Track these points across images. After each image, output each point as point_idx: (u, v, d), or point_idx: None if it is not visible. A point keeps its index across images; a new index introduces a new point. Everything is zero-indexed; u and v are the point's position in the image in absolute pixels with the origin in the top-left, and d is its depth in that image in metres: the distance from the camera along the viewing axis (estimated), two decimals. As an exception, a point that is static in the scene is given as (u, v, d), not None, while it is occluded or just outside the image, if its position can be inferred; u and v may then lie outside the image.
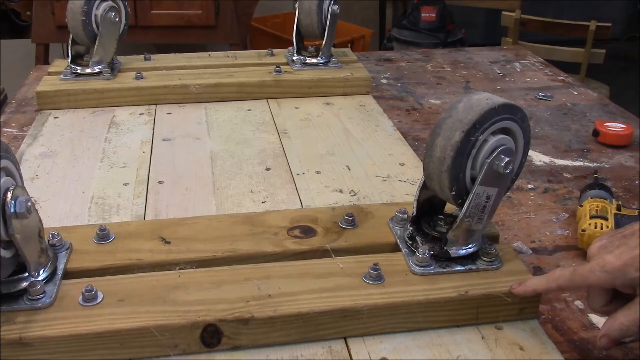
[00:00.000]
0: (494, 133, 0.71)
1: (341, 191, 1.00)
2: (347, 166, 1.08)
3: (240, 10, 2.82)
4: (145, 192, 0.99)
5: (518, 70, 1.60)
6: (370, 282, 0.72)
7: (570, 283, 0.68)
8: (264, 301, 0.69)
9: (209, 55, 1.50)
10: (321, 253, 0.78)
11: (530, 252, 0.89)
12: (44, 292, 0.68)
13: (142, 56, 1.45)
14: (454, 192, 0.72)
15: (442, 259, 0.75)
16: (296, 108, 1.31)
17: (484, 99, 0.71)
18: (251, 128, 1.22)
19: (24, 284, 0.69)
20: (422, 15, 3.40)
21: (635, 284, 0.64)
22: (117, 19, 1.33)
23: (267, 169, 1.07)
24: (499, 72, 1.59)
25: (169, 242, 0.79)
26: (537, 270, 0.84)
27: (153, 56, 1.45)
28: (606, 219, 0.87)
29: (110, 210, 0.94)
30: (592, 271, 0.66)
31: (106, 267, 0.75)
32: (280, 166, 1.08)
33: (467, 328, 0.72)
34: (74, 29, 1.31)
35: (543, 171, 1.11)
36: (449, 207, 0.81)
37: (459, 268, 0.75)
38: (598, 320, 0.75)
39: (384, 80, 1.52)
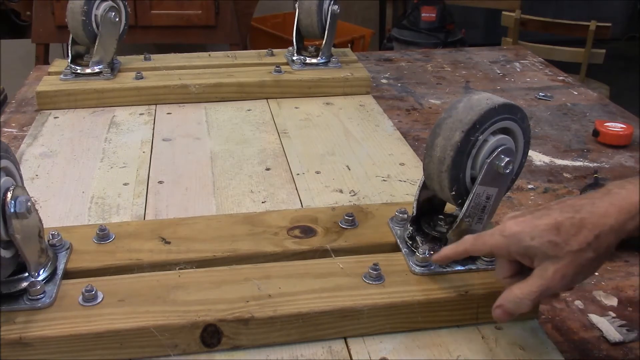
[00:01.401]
0: (494, 133, 0.71)
1: (341, 191, 1.00)
2: (347, 166, 1.08)
3: (240, 10, 2.81)
4: (145, 192, 0.99)
5: (518, 70, 1.60)
6: (370, 282, 0.72)
7: (473, 247, 0.69)
8: (264, 301, 0.69)
9: (209, 55, 1.50)
10: (321, 253, 0.78)
11: (530, 252, 0.88)
12: (44, 292, 0.68)
13: (142, 56, 1.45)
14: (454, 192, 0.72)
15: (442, 259, 0.75)
16: (296, 108, 1.31)
17: (484, 99, 0.71)
18: (251, 128, 1.22)
19: (24, 284, 0.69)
20: (422, 15, 3.40)
21: (529, 253, 0.64)
22: (117, 19, 1.33)
23: (267, 169, 1.07)
24: (499, 72, 1.59)
25: (169, 242, 0.79)
26: (537, 270, 0.84)
27: (153, 56, 1.45)
28: (606, 219, 0.87)
29: (110, 210, 0.94)
30: (492, 235, 0.67)
31: (106, 267, 0.75)
32: (280, 166, 1.08)
33: (467, 328, 0.72)
34: (74, 29, 1.31)
35: (543, 171, 1.11)
36: (449, 207, 0.81)
37: (459, 268, 0.75)
38: (598, 320, 0.76)
39: (384, 80, 1.52)
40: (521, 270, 0.67)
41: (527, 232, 0.64)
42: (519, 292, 0.65)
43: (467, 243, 0.69)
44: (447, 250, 0.71)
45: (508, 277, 0.68)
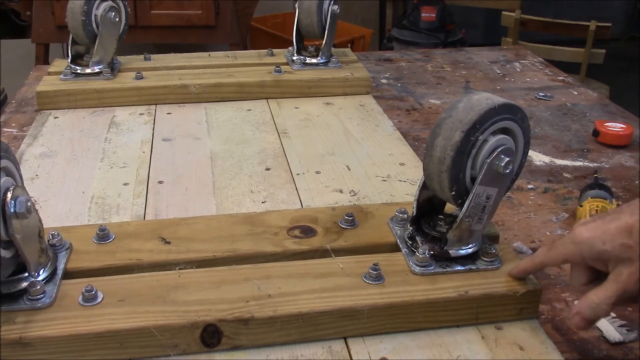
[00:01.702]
0: (494, 133, 0.71)
1: (341, 191, 1.00)
2: (347, 166, 1.08)
3: (240, 10, 2.82)
4: (145, 192, 0.99)
5: (518, 70, 1.60)
6: (370, 282, 0.72)
7: (546, 258, 0.70)
8: (264, 301, 0.69)
9: (209, 55, 1.50)
10: (321, 253, 0.78)
11: (530, 252, 0.89)
12: (44, 292, 0.68)
13: (142, 56, 1.45)
14: (454, 192, 0.72)
15: (442, 259, 0.75)
16: (296, 108, 1.31)
17: (484, 99, 0.71)
18: (251, 128, 1.22)
19: (24, 284, 0.69)
20: (422, 15, 3.40)
21: (602, 258, 0.64)
22: (117, 19, 1.33)
23: (267, 169, 1.07)
24: (499, 72, 1.59)
25: (169, 242, 0.79)
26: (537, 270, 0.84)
27: (153, 56, 1.45)
28: (606, 219, 0.87)
29: (110, 210, 0.94)
30: (563, 244, 0.67)
31: (106, 267, 0.75)
32: (280, 166, 1.08)
33: (467, 328, 0.72)
34: (74, 29, 1.31)
35: (543, 171, 1.11)
36: (449, 207, 0.81)
37: (459, 268, 0.75)
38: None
39: (384, 80, 1.52)
40: (597, 277, 0.67)
41: (598, 237, 0.64)
42: (595, 298, 0.65)
43: (541, 255, 0.70)
44: (524, 264, 0.72)
45: (584, 285, 0.67)
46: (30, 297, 0.68)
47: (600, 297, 0.64)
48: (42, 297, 0.68)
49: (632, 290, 0.64)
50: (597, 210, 0.89)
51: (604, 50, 2.68)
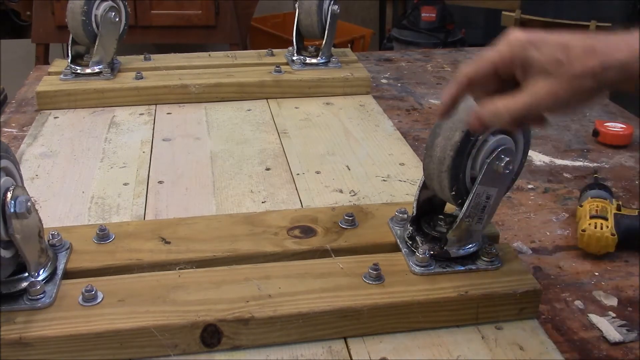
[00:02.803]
0: (493, 133, 0.71)
1: (341, 191, 1.00)
2: (347, 166, 1.08)
3: (240, 10, 2.81)
4: (145, 192, 0.99)
5: (518, 70, 1.60)
6: (370, 282, 0.72)
7: (475, 65, 0.65)
8: (264, 301, 0.69)
9: (209, 55, 1.50)
10: (321, 253, 0.78)
11: (530, 252, 0.89)
12: (44, 292, 0.68)
13: (142, 56, 1.45)
14: (454, 192, 0.72)
15: (442, 259, 0.75)
16: (296, 108, 1.31)
17: (484, 99, 0.71)
18: (251, 128, 1.22)
19: (24, 284, 0.69)
20: (422, 15, 3.40)
21: (527, 64, 0.61)
22: (117, 19, 1.33)
23: (267, 169, 1.07)
24: (499, 72, 1.58)
25: (169, 242, 0.79)
26: (537, 270, 0.84)
27: (153, 56, 1.45)
28: (606, 219, 0.87)
29: (110, 210, 0.94)
30: (496, 46, 0.64)
31: (106, 267, 0.75)
32: (280, 166, 1.08)
33: (467, 328, 0.72)
34: (74, 29, 1.31)
35: (543, 171, 1.11)
36: (449, 207, 0.81)
37: (459, 268, 0.75)
38: (598, 320, 0.76)
39: (384, 80, 1.52)
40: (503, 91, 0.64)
41: (534, 43, 0.61)
42: (501, 105, 0.62)
43: (465, 67, 0.66)
44: (473, 65, 0.66)
45: (488, 93, 0.65)
46: (30, 297, 0.68)
47: (507, 106, 0.62)
48: (42, 297, 0.68)
49: (543, 107, 0.61)
50: (597, 210, 0.89)
51: (604, 50, 2.67)
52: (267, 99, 1.34)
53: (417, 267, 0.74)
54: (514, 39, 0.62)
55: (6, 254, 0.66)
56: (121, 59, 1.42)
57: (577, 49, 0.59)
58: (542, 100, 0.61)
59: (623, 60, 0.58)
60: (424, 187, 0.78)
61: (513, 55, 0.62)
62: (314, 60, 1.42)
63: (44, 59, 2.79)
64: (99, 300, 0.69)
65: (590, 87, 0.59)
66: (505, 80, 0.64)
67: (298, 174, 1.05)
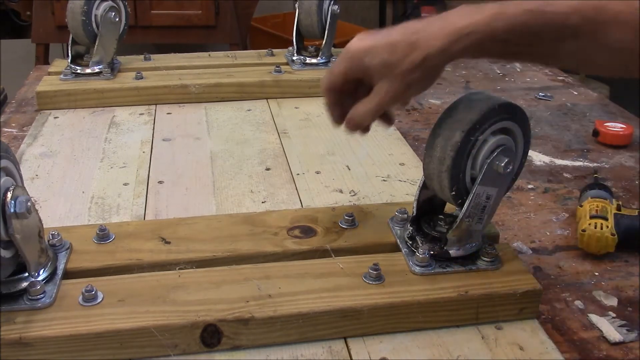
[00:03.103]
0: (494, 133, 0.71)
1: (341, 191, 1.00)
2: (347, 166, 1.08)
3: (240, 10, 2.81)
4: (145, 192, 0.99)
5: (518, 70, 1.60)
6: (370, 282, 0.72)
7: (327, 80, 0.73)
8: (264, 301, 0.69)
9: (209, 55, 1.50)
10: (321, 253, 0.78)
11: (530, 252, 0.89)
12: (44, 292, 0.68)
13: (142, 56, 1.45)
14: (454, 192, 0.72)
15: (442, 259, 0.75)
16: (296, 108, 1.31)
17: (484, 99, 0.71)
18: (251, 128, 1.22)
19: (24, 284, 0.69)
20: (422, 15, 3.40)
21: (369, 73, 0.69)
22: (117, 19, 1.33)
23: (267, 169, 1.07)
24: (499, 72, 1.59)
25: (169, 242, 0.79)
26: (537, 270, 0.84)
27: (153, 56, 1.45)
28: (606, 219, 0.87)
29: (110, 210, 0.94)
30: (339, 59, 0.72)
31: (106, 267, 0.75)
32: (280, 166, 1.08)
33: (467, 328, 0.72)
34: (74, 29, 1.31)
35: (543, 171, 1.11)
36: (449, 207, 0.81)
37: (459, 268, 0.75)
38: (598, 320, 0.76)
39: (384, 80, 1.51)
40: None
41: (367, 51, 0.68)
42: (362, 108, 0.72)
43: (325, 80, 0.73)
44: (326, 80, 0.74)
45: (337, 97, 0.74)
46: (30, 297, 0.68)
47: (366, 108, 0.71)
48: (42, 297, 0.68)
49: (389, 104, 0.71)
50: (597, 210, 0.89)
51: (604, 50, 2.67)
52: (267, 99, 1.34)
53: (417, 267, 0.74)
54: (352, 50, 0.70)
55: (6, 254, 0.66)
56: (121, 59, 1.42)
57: (402, 46, 0.67)
58: (384, 99, 0.70)
59: (442, 47, 0.66)
60: (424, 187, 0.78)
61: (353, 66, 0.70)
62: (314, 60, 1.42)
63: (44, 59, 2.79)
64: (99, 300, 0.69)
65: (419, 77, 0.68)
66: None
67: (298, 174, 1.05)
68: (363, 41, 0.69)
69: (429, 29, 0.67)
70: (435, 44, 0.66)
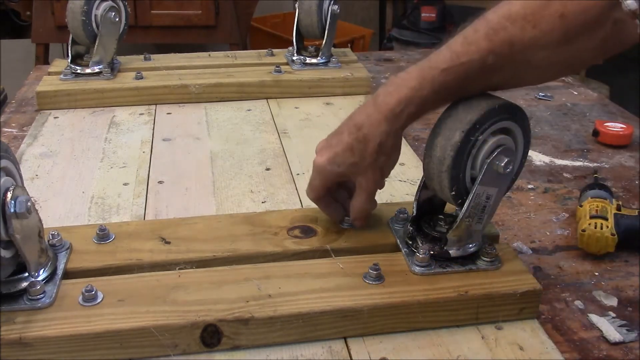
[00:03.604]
0: (494, 133, 0.71)
1: (341, 191, 0.99)
2: (347, 166, 1.07)
3: (240, 10, 2.81)
4: (145, 192, 0.99)
5: (518, 70, 1.60)
6: (370, 282, 0.72)
7: (312, 194, 0.80)
8: (264, 301, 0.69)
9: (209, 55, 1.50)
10: (321, 253, 0.78)
11: (530, 252, 0.89)
12: (44, 292, 0.68)
13: (142, 56, 1.45)
14: (454, 192, 0.72)
15: (442, 259, 0.75)
16: (296, 108, 1.31)
17: (484, 99, 0.71)
18: (251, 128, 1.22)
19: (24, 284, 0.69)
20: (422, 15, 3.40)
21: (344, 176, 0.77)
22: (117, 19, 1.33)
23: (267, 169, 1.07)
24: (499, 72, 1.58)
25: (169, 242, 0.79)
26: (537, 270, 0.84)
27: (153, 56, 1.45)
28: (606, 219, 0.87)
29: (110, 210, 0.94)
30: (313, 178, 0.79)
31: (106, 267, 0.75)
32: (280, 166, 1.08)
33: (467, 328, 0.72)
34: (74, 29, 1.31)
35: (543, 171, 1.11)
36: (449, 207, 0.81)
37: (459, 268, 0.75)
38: (598, 320, 0.76)
39: (384, 80, 1.52)
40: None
41: (333, 162, 0.76)
42: (357, 204, 0.78)
43: (309, 194, 0.81)
44: (310, 194, 0.81)
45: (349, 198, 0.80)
46: (30, 297, 0.68)
47: (360, 203, 0.78)
48: (42, 297, 0.68)
49: (374, 190, 0.78)
50: (597, 210, 0.89)
51: (604, 50, 2.67)
52: (267, 99, 1.34)
53: (417, 267, 0.74)
54: (320, 165, 0.77)
55: (6, 254, 0.66)
56: (121, 59, 1.42)
57: (356, 145, 0.74)
58: (369, 188, 0.78)
59: (388, 129, 0.72)
60: (424, 187, 0.78)
61: (327, 177, 0.78)
62: (314, 60, 1.42)
63: (44, 59, 2.79)
64: (99, 300, 0.69)
65: (384, 158, 0.75)
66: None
67: (298, 174, 1.05)
68: (324, 156, 0.77)
69: (370, 119, 0.73)
70: (381, 130, 0.73)
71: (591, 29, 0.64)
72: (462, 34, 0.70)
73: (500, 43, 0.66)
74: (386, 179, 1.03)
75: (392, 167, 0.78)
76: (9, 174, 0.68)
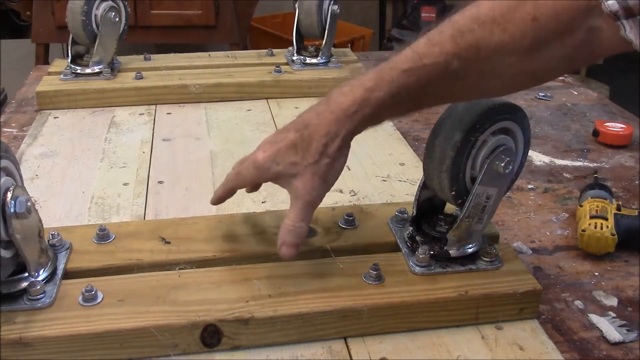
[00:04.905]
0: (494, 133, 0.71)
1: (341, 191, 1.00)
2: (347, 166, 1.07)
3: (240, 10, 2.81)
4: (145, 192, 0.99)
5: (518, 70, 1.60)
6: (370, 282, 0.72)
7: (235, 183, 0.76)
8: (264, 301, 0.69)
9: (209, 55, 1.50)
10: (321, 253, 0.78)
11: (530, 252, 0.89)
12: (44, 292, 0.68)
13: (142, 56, 1.45)
14: (454, 192, 0.72)
15: (442, 259, 0.75)
16: (296, 108, 1.30)
17: (484, 99, 0.71)
18: (251, 128, 1.22)
19: (24, 284, 0.69)
20: (422, 15, 3.40)
21: (279, 178, 0.71)
22: (117, 19, 1.33)
23: (267, 169, 1.06)
24: (499, 72, 1.58)
25: (169, 242, 0.79)
26: (537, 270, 0.84)
27: (153, 56, 1.45)
28: (606, 219, 0.87)
29: (110, 210, 0.94)
30: (247, 168, 0.73)
31: (106, 267, 0.75)
32: (280, 166, 1.07)
33: (467, 328, 0.72)
34: (74, 29, 1.31)
35: (543, 171, 1.11)
36: (449, 207, 0.81)
37: (459, 268, 0.75)
38: (598, 320, 0.76)
39: (384, 80, 1.51)
40: None
41: (272, 159, 0.70)
42: (289, 222, 0.70)
43: (231, 181, 0.76)
44: (218, 191, 0.78)
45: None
46: (30, 297, 0.68)
47: (293, 219, 0.70)
48: (42, 297, 0.68)
49: (312, 199, 0.69)
50: (597, 210, 0.89)
51: (603, 50, 2.67)
52: (267, 99, 1.34)
53: (417, 267, 0.74)
54: (260, 161, 0.71)
55: (6, 254, 0.66)
56: (121, 59, 1.42)
57: (300, 143, 0.68)
58: (306, 197, 0.70)
59: (336, 130, 0.67)
60: (424, 187, 0.78)
61: (261, 175, 0.72)
62: (314, 60, 1.42)
63: (44, 59, 2.79)
64: (99, 300, 0.69)
65: (329, 162, 0.69)
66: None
67: (298, 174, 1.05)
68: (266, 151, 0.71)
69: (319, 118, 0.68)
70: (329, 130, 0.68)
71: (563, 35, 0.60)
72: (427, 35, 0.65)
73: (467, 47, 0.62)
74: (386, 180, 1.03)
75: (336, 177, 0.71)
76: (9, 174, 0.68)
